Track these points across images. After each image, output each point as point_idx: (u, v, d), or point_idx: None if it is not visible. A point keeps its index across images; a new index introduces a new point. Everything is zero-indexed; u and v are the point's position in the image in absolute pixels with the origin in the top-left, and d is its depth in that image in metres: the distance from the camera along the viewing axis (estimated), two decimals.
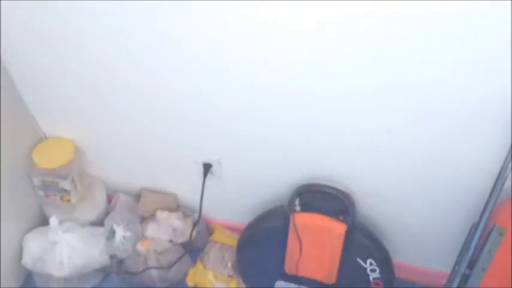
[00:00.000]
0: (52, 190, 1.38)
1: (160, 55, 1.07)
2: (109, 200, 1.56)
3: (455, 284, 1.07)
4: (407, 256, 1.35)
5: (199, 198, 1.37)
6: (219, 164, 1.31)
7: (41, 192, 1.41)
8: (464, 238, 1.07)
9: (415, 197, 1.17)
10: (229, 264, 1.43)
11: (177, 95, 1.16)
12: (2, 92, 1.26)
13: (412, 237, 1.29)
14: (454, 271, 1.08)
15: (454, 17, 0.80)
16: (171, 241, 1.44)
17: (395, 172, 1.13)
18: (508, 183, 0.97)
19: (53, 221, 1.34)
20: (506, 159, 0.94)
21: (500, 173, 0.96)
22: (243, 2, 0.89)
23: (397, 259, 1.30)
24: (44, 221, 1.46)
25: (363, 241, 1.19)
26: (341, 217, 1.15)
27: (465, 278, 1.05)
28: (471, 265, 1.04)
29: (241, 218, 1.40)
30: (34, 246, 1.38)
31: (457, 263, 1.07)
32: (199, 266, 1.44)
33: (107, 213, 1.49)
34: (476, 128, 0.97)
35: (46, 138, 1.44)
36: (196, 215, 1.46)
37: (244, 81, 1.06)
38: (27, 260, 1.37)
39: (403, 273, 1.38)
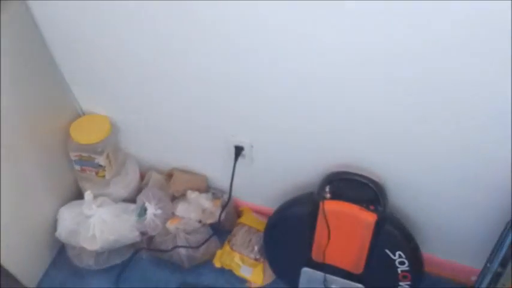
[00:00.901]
0: (88, 165, 1.42)
1: (194, 37, 1.07)
2: (142, 177, 1.59)
3: (486, 282, 1.05)
4: (437, 250, 1.32)
5: (229, 180, 1.38)
6: (251, 147, 1.31)
7: (77, 167, 1.45)
8: (498, 235, 1.05)
9: (448, 190, 1.14)
10: (256, 248, 1.44)
11: (211, 77, 1.16)
12: (43, 67, 1.29)
13: (443, 231, 1.26)
14: (485, 268, 1.06)
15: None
16: (200, 221, 1.46)
17: (429, 163, 1.11)
18: None
19: (88, 195, 1.38)
20: None
21: None
22: None
23: (427, 252, 1.27)
24: (79, 195, 1.51)
25: (393, 232, 1.17)
26: (371, 207, 1.14)
27: (497, 276, 1.03)
28: (504, 263, 1.01)
29: (270, 202, 1.41)
30: (68, 219, 1.42)
31: (489, 261, 1.05)
32: (226, 247, 1.46)
33: (139, 190, 1.52)
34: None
35: (83, 113, 1.48)
36: (225, 197, 1.48)
37: (277, 67, 1.05)
38: (61, 232, 1.41)
39: (432, 267, 1.36)
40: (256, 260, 1.43)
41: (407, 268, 1.20)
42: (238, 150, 1.33)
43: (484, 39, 0.82)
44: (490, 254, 1.06)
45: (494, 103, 0.92)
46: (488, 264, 1.05)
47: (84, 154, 1.39)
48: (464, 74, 0.89)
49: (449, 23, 0.82)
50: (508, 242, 1.00)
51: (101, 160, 1.39)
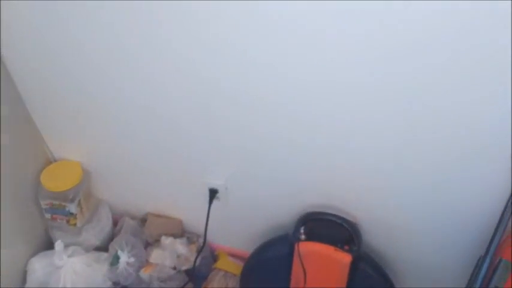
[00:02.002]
0: (59, 213, 1.39)
1: (164, 81, 1.09)
2: (115, 223, 1.56)
3: None
4: (414, 286, 1.32)
5: (204, 224, 1.36)
6: (225, 189, 1.31)
7: (48, 215, 1.41)
8: (471, 272, 1.06)
9: (422, 226, 1.16)
10: None
11: (183, 119, 1.17)
12: (12, 113, 1.28)
13: (417, 268, 1.27)
14: None
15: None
16: (174, 268, 1.43)
17: (402, 200, 1.12)
18: None
19: (58, 245, 1.34)
20: None
21: (506, 206, 0.95)
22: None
23: None
24: (50, 245, 1.46)
25: (369, 272, 1.18)
26: (346, 247, 1.14)
27: None
28: None
29: (246, 245, 1.39)
30: (38, 270, 1.37)
31: None
32: None
33: (112, 236, 1.49)
34: (483, 157, 0.96)
35: (55, 160, 1.46)
36: (201, 241, 1.45)
37: (250, 110, 1.07)
38: (31, 284, 1.36)
39: None
40: None
41: None
42: (213, 193, 1.33)
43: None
44: None
45: (466, 140, 0.95)
46: None
47: (55, 202, 1.37)
48: (436, 109, 0.92)
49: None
50: (480, 277, 1.01)
51: (72, 207, 1.36)
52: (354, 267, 1.14)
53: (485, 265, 1.00)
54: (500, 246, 0.99)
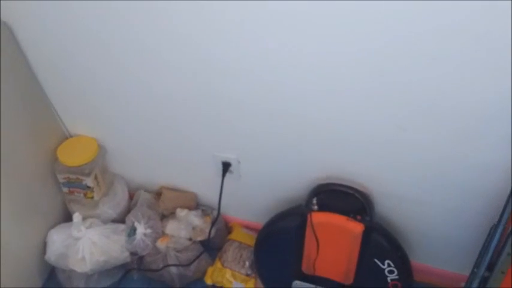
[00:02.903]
0: (76, 187, 1.42)
1: (179, 55, 1.09)
2: (131, 197, 1.59)
3: (474, 286, 1.06)
4: (426, 258, 1.34)
5: (218, 196, 1.39)
6: (238, 162, 1.32)
7: (65, 189, 1.45)
8: (483, 241, 1.06)
9: (433, 197, 1.16)
10: (247, 263, 1.44)
11: (197, 93, 1.17)
12: (28, 90, 1.30)
13: (430, 239, 1.28)
14: (473, 273, 1.07)
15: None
16: (190, 239, 1.47)
17: (413, 171, 1.13)
18: None
19: (76, 217, 1.38)
20: None
21: None
22: None
23: (415, 260, 1.29)
24: (68, 218, 1.50)
25: (381, 242, 1.19)
26: (359, 217, 1.16)
27: (484, 281, 1.04)
28: (490, 267, 1.02)
29: (259, 217, 1.41)
30: (57, 242, 1.41)
31: (476, 265, 1.06)
32: (217, 264, 1.45)
33: (128, 210, 1.52)
34: (494, 127, 0.95)
35: (70, 136, 1.48)
36: (215, 213, 1.48)
37: (263, 83, 1.07)
38: (51, 256, 1.41)
39: (421, 275, 1.37)
40: (247, 275, 1.43)
41: (396, 277, 1.21)
42: (226, 167, 1.35)
43: (454, 45, 0.85)
44: (477, 259, 1.07)
45: (474, 110, 0.94)
46: (475, 270, 1.06)
47: (72, 176, 1.39)
48: (443, 82, 0.91)
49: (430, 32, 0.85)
50: (493, 245, 1.02)
51: (89, 181, 1.39)
52: (366, 237, 1.16)
53: (498, 234, 1.01)
54: None
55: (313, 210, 1.18)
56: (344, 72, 0.97)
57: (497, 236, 1.01)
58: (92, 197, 1.44)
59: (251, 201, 1.46)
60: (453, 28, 0.82)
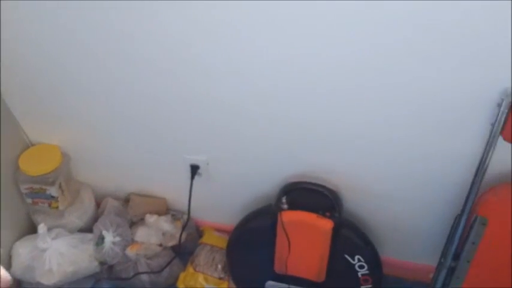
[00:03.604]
0: (40, 197, 1.38)
1: (146, 58, 1.08)
2: (98, 205, 1.56)
3: (441, 277, 1.08)
4: (395, 251, 1.36)
5: (187, 200, 1.37)
6: (206, 165, 1.32)
7: (29, 200, 1.41)
8: (449, 230, 1.09)
9: (399, 191, 1.19)
10: (219, 266, 1.43)
11: (164, 97, 1.16)
12: None
13: (398, 232, 1.30)
14: (440, 264, 1.09)
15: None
16: (160, 245, 1.45)
17: (379, 166, 1.15)
18: (489, 174, 0.99)
19: (41, 228, 1.34)
20: (485, 149, 0.96)
21: (480, 164, 0.98)
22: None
23: (385, 255, 1.31)
24: (33, 229, 1.45)
25: (351, 237, 1.21)
26: (328, 213, 1.17)
27: (451, 270, 1.06)
28: (456, 257, 1.05)
29: (230, 219, 1.40)
30: (23, 255, 1.37)
31: (443, 256, 1.09)
32: (189, 269, 1.44)
33: (95, 218, 1.49)
34: (456, 119, 0.99)
35: (32, 144, 1.44)
36: (185, 218, 1.46)
37: (231, 82, 1.07)
38: (16, 269, 1.36)
39: (391, 269, 1.38)
40: (220, 278, 1.42)
41: (367, 272, 1.22)
42: (194, 169, 1.34)
43: (424, 46, 0.87)
44: (443, 250, 1.09)
45: (439, 106, 0.97)
46: (442, 260, 1.09)
47: (35, 186, 1.36)
48: (410, 80, 0.94)
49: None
50: (458, 235, 1.05)
51: (53, 191, 1.36)
52: (336, 233, 1.17)
53: (462, 223, 1.04)
54: (475, 204, 1.02)
55: (283, 209, 1.19)
56: (316, 68, 0.98)
57: (461, 225, 1.04)
58: (57, 207, 1.40)
59: (222, 203, 1.46)
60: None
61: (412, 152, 1.09)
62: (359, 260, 1.21)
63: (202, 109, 1.17)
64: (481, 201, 1.03)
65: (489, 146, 0.95)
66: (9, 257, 1.39)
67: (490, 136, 0.95)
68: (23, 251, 1.38)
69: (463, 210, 1.04)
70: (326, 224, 1.16)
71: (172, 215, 1.52)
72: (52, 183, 1.34)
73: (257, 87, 1.06)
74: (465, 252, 1.03)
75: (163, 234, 1.46)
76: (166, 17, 0.97)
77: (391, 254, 1.36)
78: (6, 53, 1.17)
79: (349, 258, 1.21)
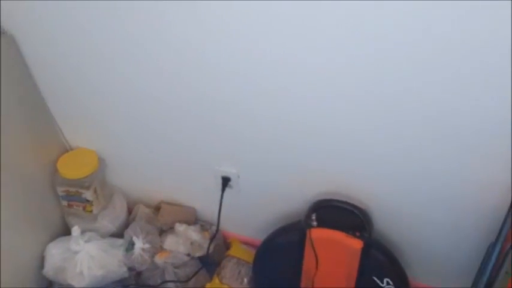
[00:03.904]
0: (75, 200, 1.42)
1: (181, 70, 1.11)
2: (129, 211, 1.59)
3: None
4: (424, 277, 1.33)
5: (217, 212, 1.39)
6: (238, 177, 1.33)
7: (64, 202, 1.44)
8: (482, 258, 1.06)
9: (432, 214, 1.16)
10: (245, 280, 1.43)
11: (197, 107, 1.18)
12: (29, 102, 1.31)
13: (428, 257, 1.28)
14: None
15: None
16: (188, 254, 1.46)
17: (412, 188, 1.13)
18: None
19: (75, 230, 1.37)
20: None
21: None
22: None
23: (414, 280, 1.28)
24: (66, 231, 1.49)
25: (380, 259, 1.19)
26: (357, 233, 1.16)
27: None
28: (489, 286, 1.03)
29: (258, 233, 1.41)
30: (56, 256, 1.40)
31: (474, 284, 1.06)
32: (215, 280, 1.44)
33: (127, 224, 1.52)
34: (494, 146, 0.97)
35: (71, 148, 1.49)
36: (214, 229, 1.48)
37: (264, 98, 1.09)
38: (49, 270, 1.40)
39: None
40: None
41: None
42: (225, 181, 1.35)
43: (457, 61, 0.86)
44: (475, 278, 1.07)
45: (478, 124, 0.95)
46: None
47: (71, 189, 1.39)
48: (442, 97, 0.93)
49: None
50: (491, 264, 1.02)
51: (88, 195, 1.39)
52: (365, 253, 1.16)
53: (496, 252, 1.02)
54: (510, 233, 1.00)
55: (312, 226, 1.19)
56: (348, 84, 0.98)
57: (495, 254, 1.02)
58: (91, 211, 1.44)
59: (250, 217, 1.46)
60: (452, 38, 0.83)
61: (446, 176, 1.07)
62: (388, 283, 1.19)
63: (234, 122, 1.18)
64: None
65: None
66: (42, 258, 1.43)
67: None
68: (56, 252, 1.41)
69: (497, 239, 1.01)
70: (355, 244, 1.15)
71: (201, 225, 1.53)
72: (88, 187, 1.38)
73: (291, 102, 1.07)
74: (498, 281, 1.00)
75: (192, 243, 1.47)
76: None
77: (421, 279, 1.34)
78: (48, 58, 1.22)
79: (378, 281, 1.20)
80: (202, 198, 1.49)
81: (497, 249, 1.01)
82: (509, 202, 0.98)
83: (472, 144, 0.99)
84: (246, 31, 0.96)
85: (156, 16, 1.01)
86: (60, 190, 1.41)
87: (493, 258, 1.02)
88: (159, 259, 1.43)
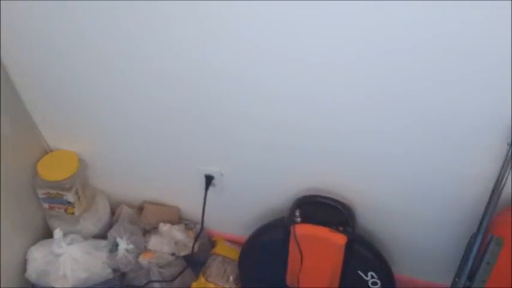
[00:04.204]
0: (56, 202, 1.40)
1: (162, 68, 1.10)
2: (112, 212, 1.57)
3: None
4: (408, 269, 1.34)
5: (201, 210, 1.38)
6: (221, 175, 1.32)
7: (45, 205, 1.42)
8: (464, 249, 1.08)
9: (414, 208, 1.18)
10: (231, 278, 1.43)
11: (181, 107, 1.18)
12: (8, 104, 1.29)
13: (412, 250, 1.29)
14: (454, 283, 1.08)
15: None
16: (173, 254, 1.45)
17: (394, 183, 1.14)
18: (505, 193, 0.98)
19: (57, 233, 1.36)
20: (502, 169, 0.95)
21: (496, 183, 0.97)
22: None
23: (398, 272, 1.29)
24: (48, 234, 1.47)
25: (364, 253, 1.20)
26: (341, 228, 1.16)
27: None
28: (471, 277, 1.04)
29: (243, 230, 1.41)
30: (38, 259, 1.38)
31: (457, 275, 1.08)
32: (201, 279, 1.44)
33: (110, 225, 1.50)
34: (472, 139, 0.98)
35: (51, 150, 1.47)
36: (198, 228, 1.47)
37: (245, 96, 1.09)
38: (31, 273, 1.38)
39: (404, 287, 1.37)
40: None
41: None
42: (209, 180, 1.34)
43: (440, 59, 0.87)
44: (458, 269, 1.08)
45: (455, 124, 0.97)
46: (456, 279, 1.07)
47: (52, 191, 1.38)
48: (426, 96, 0.94)
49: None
50: (473, 255, 1.03)
51: (69, 197, 1.37)
52: (349, 248, 1.16)
53: (477, 243, 1.03)
54: (491, 224, 1.01)
55: (296, 222, 1.19)
56: (336, 82, 0.99)
57: (476, 245, 1.03)
58: (73, 213, 1.42)
59: (234, 214, 1.46)
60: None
61: (427, 170, 1.08)
62: (372, 277, 1.20)
63: (217, 120, 1.18)
64: (496, 221, 1.02)
65: (506, 165, 0.95)
66: (24, 261, 1.41)
67: (507, 155, 0.94)
68: (38, 255, 1.39)
69: (478, 230, 1.02)
70: (339, 239, 1.15)
71: (185, 225, 1.53)
72: (69, 189, 1.36)
73: (272, 99, 1.07)
74: (480, 272, 1.02)
75: (176, 243, 1.46)
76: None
77: (405, 271, 1.35)
78: (26, 60, 1.20)
79: (362, 275, 1.20)
80: (185, 197, 1.48)
81: (479, 240, 1.02)
82: (489, 193, 0.99)
83: (452, 138, 1.00)
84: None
85: (146, 12, 1.00)
86: (41, 192, 1.39)
87: (475, 249, 1.03)
88: (143, 259, 1.42)
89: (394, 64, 0.91)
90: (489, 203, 1.00)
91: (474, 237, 1.04)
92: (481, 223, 1.02)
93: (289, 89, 1.03)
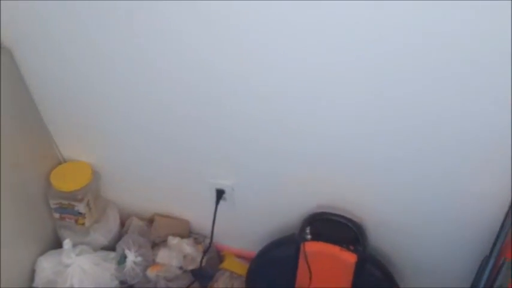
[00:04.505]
0: (67, 213, 1.41)
1: (175, 84, 1.11)
2: (122, 223, 1.58)
3: None
4: None
5: (210, 224, 1.38)
6: (232, 190, 1.33)
7: (57, 215, 1.43)
8: (475, 272, 1.07)
9: (425, 229, 1.17)
10: None
11: (192, 120, 1.19)
12: (23, 114, 1.31)
13: (422, 271, 1.28)
14: None
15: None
16: (181, 268, 1.45)
17: (406, 202, 1.14)
18: None
19: (67, 243, 1.36)
20: None
21: (510, 208, 0.96)
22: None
23: None
24: (58, 244, 1.48)
25: (374, 272, 1.19)
26: (351, 247, 1.16)
27: None
28: None
29: (252, 246, 1.40)
30: (46, 269, 1.38)
31: None
32: None
33: (119, 237, 1.50)
34: (487, 159, 0.97)
35: (64, 160, 1.48)
36: (207, 241, 1.47)
37: (257, 111, 1.09)
38: (39, 283, 1.38)
39: None
40: None
41: None
42: (220, 194, 1.35)
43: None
44: None
45: (469, 142, 0.96)
46: None
47: (64, 202, 1.38)
48: (438, 112, 0.93)
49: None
50: (485, 278, 1.02)
51: (81, 207, 1.38)
52: (359, 267, 1.16)
53: (490, 266, 1.02)
54: (504, 247, 1.00)
55: (306, 240, 1.18)
56: (345, 96, 0.99)
57: (488, 268, 1.02)
58: (84, 224, 1.42)
59: (244, 230, 1.46)
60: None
61: (439, 189, 1.08)
62: None
63: (229, 134, 1.18)
64: (509, 245, 1.00)
65: None
66: (33, 271, 1.41)
67: None
68: (47, 265, 1.39)
69: (491, 253, 1.02)
70: (349, 257, 1.15)
71: (195, 238, 1.53)
72: (81, 200, 1.37)
73: (284, 114, 1.08)
74: None
75: (185, 257, 1.46)
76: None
77: None
78: (42, 70, 1.22)
79: None
80: (196, 210, 1.49)
81: (491, 263, 1.02)
82: (502, 218, 0.98)
83: (464, 156, 0.99)
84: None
85: (157, 22, 1.01)
86: (53, 203, 1.40)
87: (487, 272, 1.02)
88: (151, 272, 1.42)
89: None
90: (503, 224, 0.99)
91: (486, 260, 1.03)
92: (493, 246, 1.01)
93: (306, 95, 1.02)
